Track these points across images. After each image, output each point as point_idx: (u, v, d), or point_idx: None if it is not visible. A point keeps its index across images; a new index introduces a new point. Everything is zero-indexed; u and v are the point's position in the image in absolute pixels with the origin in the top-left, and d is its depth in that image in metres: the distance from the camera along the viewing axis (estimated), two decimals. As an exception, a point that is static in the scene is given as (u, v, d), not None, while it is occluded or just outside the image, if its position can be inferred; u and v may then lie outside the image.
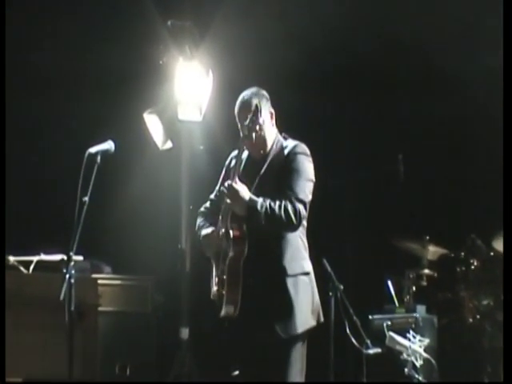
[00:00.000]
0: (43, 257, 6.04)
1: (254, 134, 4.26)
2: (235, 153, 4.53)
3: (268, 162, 4.40)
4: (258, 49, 6.92)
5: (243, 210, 4.23)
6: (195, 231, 4.60)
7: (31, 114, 7.27)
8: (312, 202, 4.36)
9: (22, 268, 6.02)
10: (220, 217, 4.39)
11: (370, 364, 5.79)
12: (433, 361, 5.87)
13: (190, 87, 6.92)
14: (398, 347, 5.78)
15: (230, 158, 4.59)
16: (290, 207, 4.22)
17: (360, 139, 7.51)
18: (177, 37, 6.82)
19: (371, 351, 5.65)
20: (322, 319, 4.42)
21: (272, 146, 4.44)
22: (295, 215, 4.23)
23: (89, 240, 4.47)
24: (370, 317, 6.45)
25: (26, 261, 6.03)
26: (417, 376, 5.73)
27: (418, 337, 5.82)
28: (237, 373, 4.49)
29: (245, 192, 4.25)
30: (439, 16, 6.84)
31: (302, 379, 4.35)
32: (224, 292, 4.28)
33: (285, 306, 4.25)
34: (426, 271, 6.78)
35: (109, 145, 4.56)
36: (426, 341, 5.84)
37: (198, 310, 6.59)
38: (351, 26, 7.11)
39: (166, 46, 6.85)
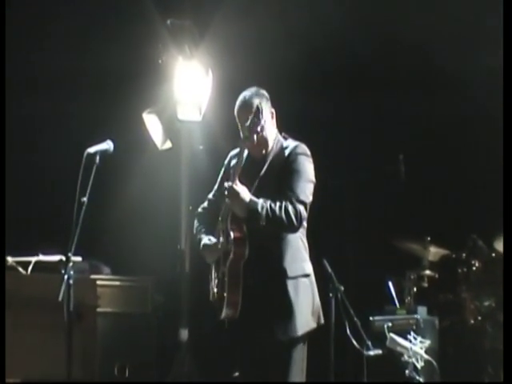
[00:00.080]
0: (42, 257, 6.03)
1: (255, 135, 4.24)
2: (234, 152, 4.52)
3: (268, 162, 4.39)
4: (258, 48, 6.92)
5: (243, 211, 4.21)
6: (194, 234, 4.58)
7: (30, 113, 7.26)
8: (312, 202, 4.35)
9: (20, 269, 6.01)
10: (220, 218, 4.37)
11: (370, 365, 5.77)
12: (434, 362, 5.84)
13: (189, 87, 6.91)
14: (398, 349, 5.75)
15: (228, 158, 4.57)
16: (290, 208, 4.21)
17: (360, 139, 7.50)
18: (176, 36, 6.81)
19: (372, 353, 5.62)
20: (322, 321, 4.42)
21: (272, 147, 4.42)
22: (296, 216, 4.21)
23: (88, 240, 4.46)
24: (371, 318, 6.42)
25: (24, 261, 6.03)
26: (418, 378, 5.71)
27: (419, 338, 5.80)
28: (237, 374, 4.48)
29: (245, 193, 4.22)
30: (439, 16, 6.84)
31: (303, 381, 4.33)
32: (225, 294, 4.26)
33: (285, 308, 4.24)
34: (427, 272, 6.76)
35: (108, 145, 4.55)
36: (427, 342, 5.81)
37: (197, 310, 6.57)
38: (351, 26, 7.10)
39: (166, 46, 6.83)
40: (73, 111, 7.27)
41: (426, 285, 6.73)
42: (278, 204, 4.20)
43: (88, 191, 4.32)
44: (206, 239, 4.43)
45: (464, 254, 6.63)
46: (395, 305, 6.62)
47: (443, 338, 6.45)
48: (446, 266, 6.82)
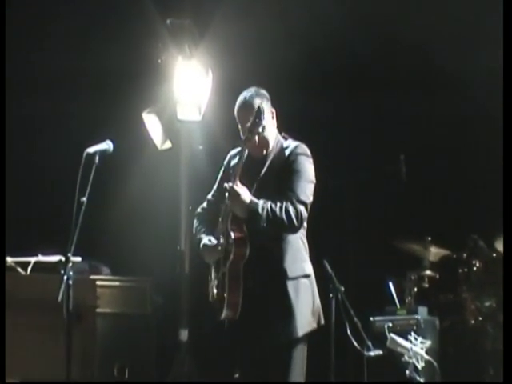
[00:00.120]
0: (41, 258, 6.02)
1: (256, 136, 4.22)
2: (233, 152, 4.51)
3: (268, 162, 4.38)
4: (258, 48, 6.91)
5: (244, 212, 4.20)
6: (194, 234, 4.56)
7: (30, 113, 7.25)
8: (312, 202, 4.34)
9: (19, 269, 6.00)
10: (220, 219, 4.35)
11: (371, 366, 5.78)
12: (434, 363, 5.83)
13: (189, 86, 6.90)
14: (399, 349, 5.74)
15: (228, 158, 4.56)
16: (291, 209, 4.19)
17: (360, 139, 7.49)
18: (176, 35, 6.80)
19: (372, 353, 5.62)
20: (322, 321, 4.41)
21: (273, 147, 4.41)
22: (296, 217, 4.20)
23: (87, 241, 4.45)
24: (371, 318, 6.42)
25: (23, 262, 6.02)
26: (418, 378, 5.70)
27: (420, 339, 5.78)
28: (237, 376, 4.47)
29: (246, 194, 4.21)
30: (439, 16, 6.83)
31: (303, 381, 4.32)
32: (225, 295, 4.24)
33: (285, 309, 4.23)
34: (428, 272, 6.75)
35: (107, 145, 4.54)
36: (428, 343, 5.80)
37: (197, 311, 6.56)
38: (351, 26, 7.09)
39: (165, 45, 6.83)
40: (72, 111, 7.27)
41: (426, 285, 6.73)
42: (278, 205, 4.19)
43: (87, 191, 4.31)
44: (206, 239, 4.41)
45: (465, 255, 6.63)
46: (396, 305, 6.61)
47: (444, 339, 6.45)
48: (446, 266, 6.81)
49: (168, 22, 6.77)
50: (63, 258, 4.36)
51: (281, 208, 4.18)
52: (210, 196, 4.62)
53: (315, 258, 4.52)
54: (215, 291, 4.37)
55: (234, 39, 6.78)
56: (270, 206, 4.18)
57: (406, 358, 5.70)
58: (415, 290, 6.67)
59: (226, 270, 4.26)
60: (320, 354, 5.17)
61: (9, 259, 5.96)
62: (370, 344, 5.60)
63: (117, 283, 6.40)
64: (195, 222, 4.58)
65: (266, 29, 6.86)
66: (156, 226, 7.16)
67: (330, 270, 5.48)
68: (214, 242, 4.37)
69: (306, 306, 4.28)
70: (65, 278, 4.25)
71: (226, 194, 4.22)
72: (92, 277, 6.19)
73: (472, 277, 6.58)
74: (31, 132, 7.30)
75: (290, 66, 7.02)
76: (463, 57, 6.74)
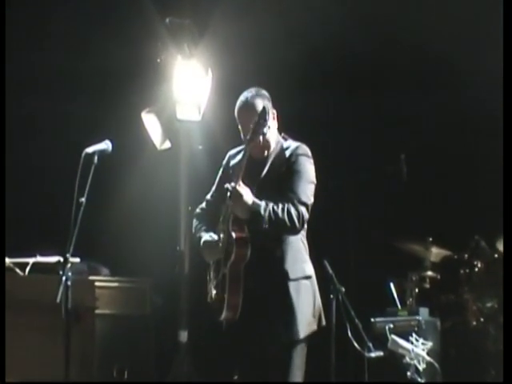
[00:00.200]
0: (39, 258, 6.00)
1: (260, 137, 4.20)
2: (233, 152, 4.49)
3: (269, 163, 4.36)
4: (258, 48, 6.91)
5: (246, 213, 4.18)
6: (193, 233, 4.54)
7: (30, 113, 7.23)
8: (313, 203, 4.31)
9: (17, 270, 5.98)
10: (221, 219, 4.33)
11: (371, 367, 5.76)
12: (436, 364, 5.81)
13: (188, 86, 6.89)
14: (400, 350, 5.73)
15: (227, 158, 4.54)
16: (292, 210, 4.18)
17: (360, 139, 7.48)
18: (175, 35, 6.79)
19: (373, 354, 5.60)
20: (323, 323, 4.39)
21: (274, 148, 4.38)
22: (298, 218, 4.18)
23: (86, 241, 4.44)
24: (372, 319, 6.41)
25: (21, 263, 6.00)
26: (419, 380, 5.68)
27: (421, 340, 5.78)
28: (236, 377, 4.45)
29: (249, 195, 4.18)
30: (439, 16, 6.82)
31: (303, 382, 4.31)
32: (225, 296, 4.22)
33: (286, 311, 4.22)
34: (429, 273, 6.75)
35: (106, 145, 4.52)
36: (429, 344, 5.79)
37: (196, 312, 6.54)
38: (351, 26, 7.08)
39: (165, 44, 6.82)
40: (71, 111, 7.26)
41: (427, 286, 6.72)
42: (280, 206, 4.17)
43: (86, 191, 4.29)
44: (207, 236, 4.39)
45: (466, 255, 6.62)
46: (397, 306, 6.61)
47: (445, 340, 6.43)
48: (447, 266, 6.80)
49: (167, 21, 6.76)
50: (62, 259, 4.34)
51: (283, 209, 4.16)
52: (208, 196, 4.59)
53: (315, 258, 4.50)
54: (214, 292, 4.35)
55: (234, 39, 6.77)
56: (272, 208, 4.16)
57: (407, 359, 5.69)
58: (416, 290, 6.65)
59: (226, 270, 4.24)
60: (321, 355, 5.15)
61: (7, 260, 5.94)
62: (370, 345, 5.59)
63: (116, 284, 6.40)
64: (194, 222, 4.56)
65: (265, 28, 6.85)
66: (155, 226, 7.15)
67: (330, 271, 5.46)
68: (215, 237, 4.34)
69: (307, 307, 4.26)
70: (63, 278, 4.23)
71: (228, 195, 4.19)
72: (91, 277, 6.19)
73: (473, 277, 6.56)
74: (30, 132, 7.29)
75: (289, 65, 7.01)
76: (463, 57, 6.73)
